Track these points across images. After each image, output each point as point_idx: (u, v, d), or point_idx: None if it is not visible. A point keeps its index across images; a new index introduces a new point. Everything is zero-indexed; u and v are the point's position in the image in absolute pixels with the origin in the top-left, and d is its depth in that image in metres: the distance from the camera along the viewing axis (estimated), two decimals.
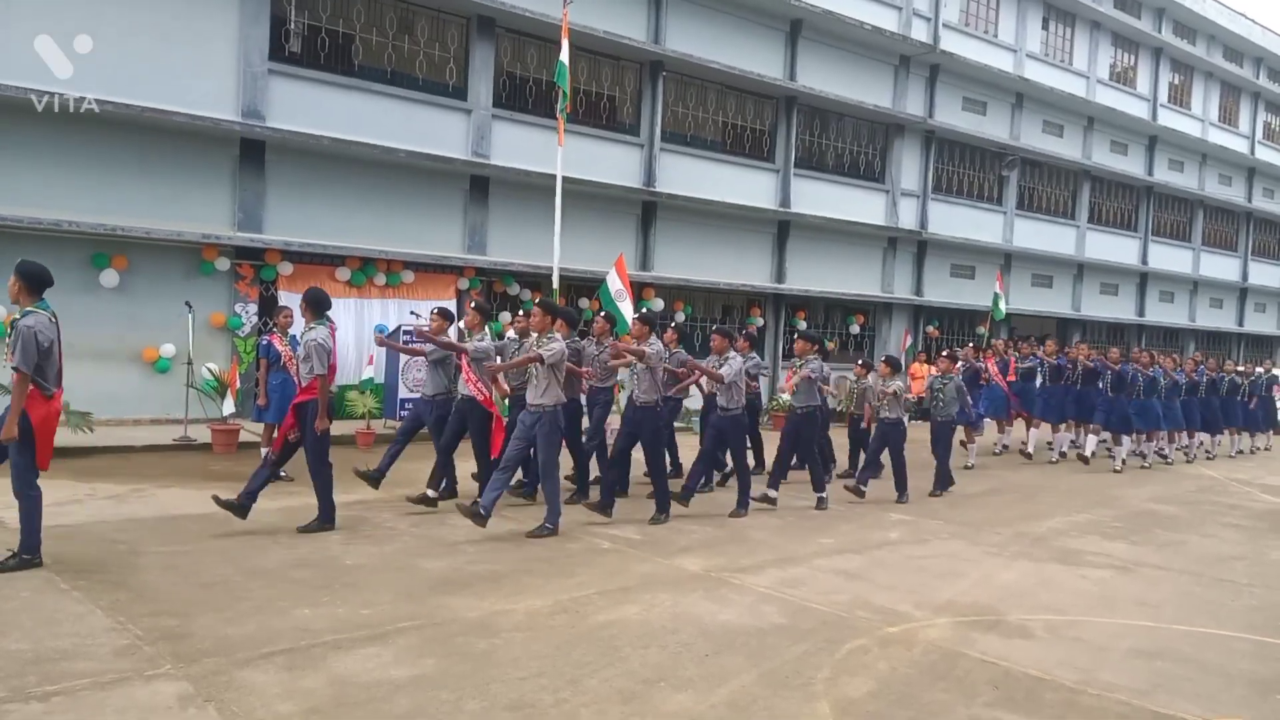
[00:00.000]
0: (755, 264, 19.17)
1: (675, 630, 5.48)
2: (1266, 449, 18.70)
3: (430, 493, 8.49)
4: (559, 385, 7.76)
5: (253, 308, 13.17)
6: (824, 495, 9.73)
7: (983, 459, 13.96)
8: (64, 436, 7.59)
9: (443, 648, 4.99)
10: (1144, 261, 27.96)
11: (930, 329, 22.36)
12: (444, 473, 8.61)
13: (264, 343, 9.83)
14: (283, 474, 8.36)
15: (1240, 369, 18.21)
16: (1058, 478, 12.97)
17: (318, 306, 7.56)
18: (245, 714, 4.08)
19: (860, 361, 12.74)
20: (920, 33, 20.97)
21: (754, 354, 11.54)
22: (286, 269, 13.25)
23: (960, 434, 12.66)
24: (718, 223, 18.30)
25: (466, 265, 15.02)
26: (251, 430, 11.55)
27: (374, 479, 8.51)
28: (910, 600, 6.40)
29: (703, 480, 9.61)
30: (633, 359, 8.54)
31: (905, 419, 10.37)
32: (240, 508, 7.25)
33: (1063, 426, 14.90)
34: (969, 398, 12.58)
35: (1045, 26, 24.55)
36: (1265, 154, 31.83)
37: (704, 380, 9.64)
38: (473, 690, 4.45)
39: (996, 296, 18.54)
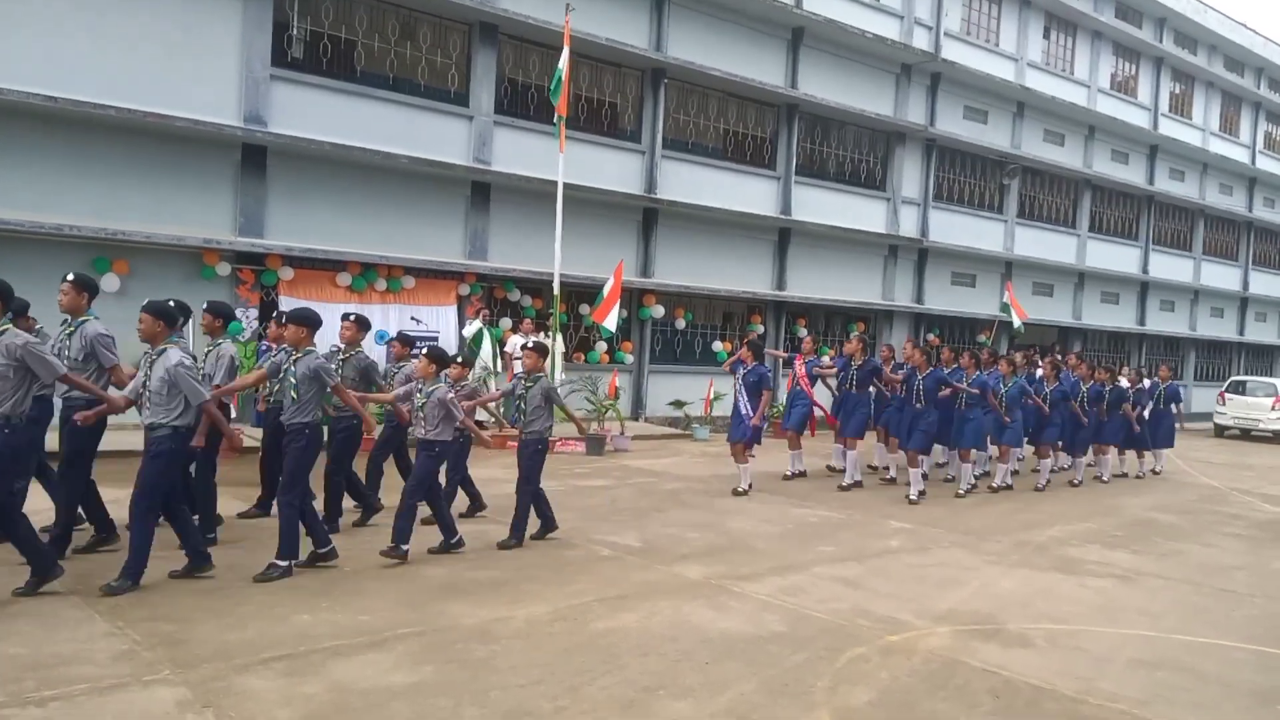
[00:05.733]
0: (756, 271, 19.17)
1: (675, 638, 5.47)
2: (1155, 471, 14.96)
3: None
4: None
5: (253, 313, 13.17)
6: (282, 564, 6.32)
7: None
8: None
9: (442, 654, 4.98)
10: (1145, 270, 27.97)
11: (931, 337, 22.35)
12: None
13: (264, 348, 9.81)
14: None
15: (1126, 378, 15.13)
16: (1058, 487, 12.93)
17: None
18: None
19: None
20: (922, 41, 21.01)
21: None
22: (288, 274, 13.27)
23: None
24: (719, 230, 18.31)
25: (467, 271, 15.02)
26: (252, 435, 11.51)
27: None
28: (910, 609, 6.39)
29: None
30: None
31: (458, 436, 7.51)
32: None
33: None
34: (748, 407, 10.46)
35: (1046, 36, 24.59)
36: (1266, 164, 31.85)
37: None
38: (471, 697, 4.44)
39: (1006, 306, 18.55)
